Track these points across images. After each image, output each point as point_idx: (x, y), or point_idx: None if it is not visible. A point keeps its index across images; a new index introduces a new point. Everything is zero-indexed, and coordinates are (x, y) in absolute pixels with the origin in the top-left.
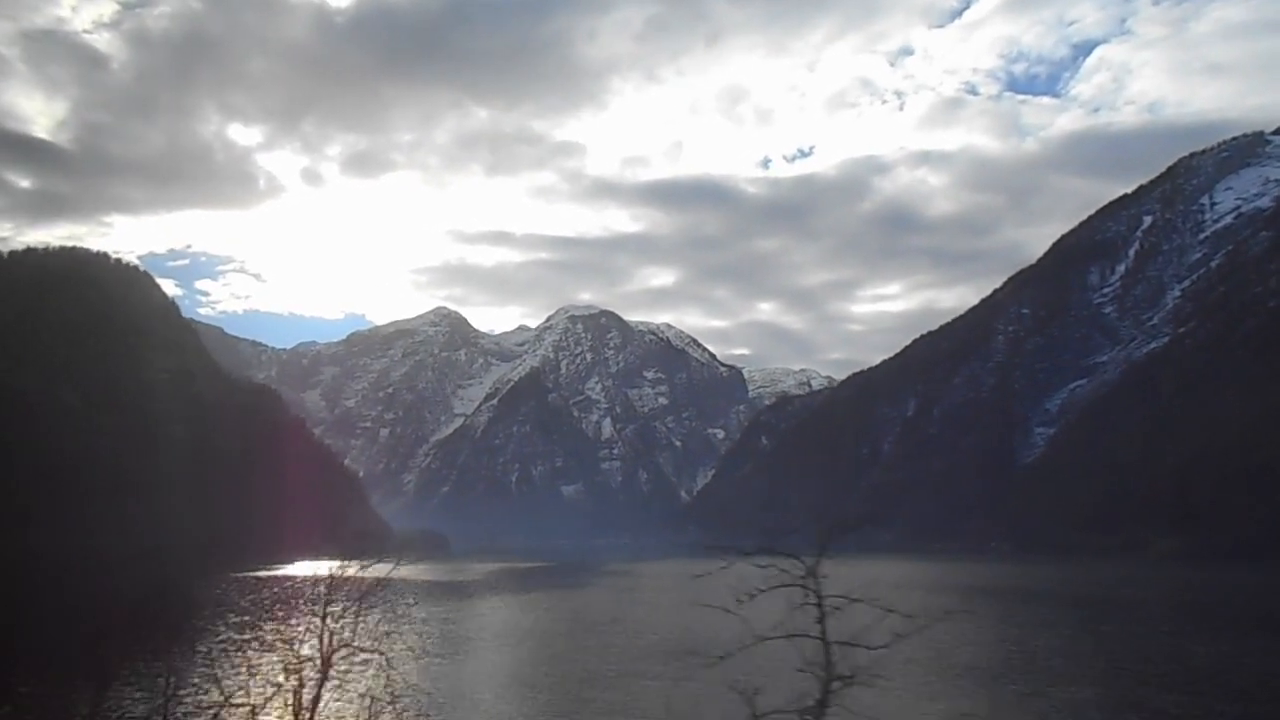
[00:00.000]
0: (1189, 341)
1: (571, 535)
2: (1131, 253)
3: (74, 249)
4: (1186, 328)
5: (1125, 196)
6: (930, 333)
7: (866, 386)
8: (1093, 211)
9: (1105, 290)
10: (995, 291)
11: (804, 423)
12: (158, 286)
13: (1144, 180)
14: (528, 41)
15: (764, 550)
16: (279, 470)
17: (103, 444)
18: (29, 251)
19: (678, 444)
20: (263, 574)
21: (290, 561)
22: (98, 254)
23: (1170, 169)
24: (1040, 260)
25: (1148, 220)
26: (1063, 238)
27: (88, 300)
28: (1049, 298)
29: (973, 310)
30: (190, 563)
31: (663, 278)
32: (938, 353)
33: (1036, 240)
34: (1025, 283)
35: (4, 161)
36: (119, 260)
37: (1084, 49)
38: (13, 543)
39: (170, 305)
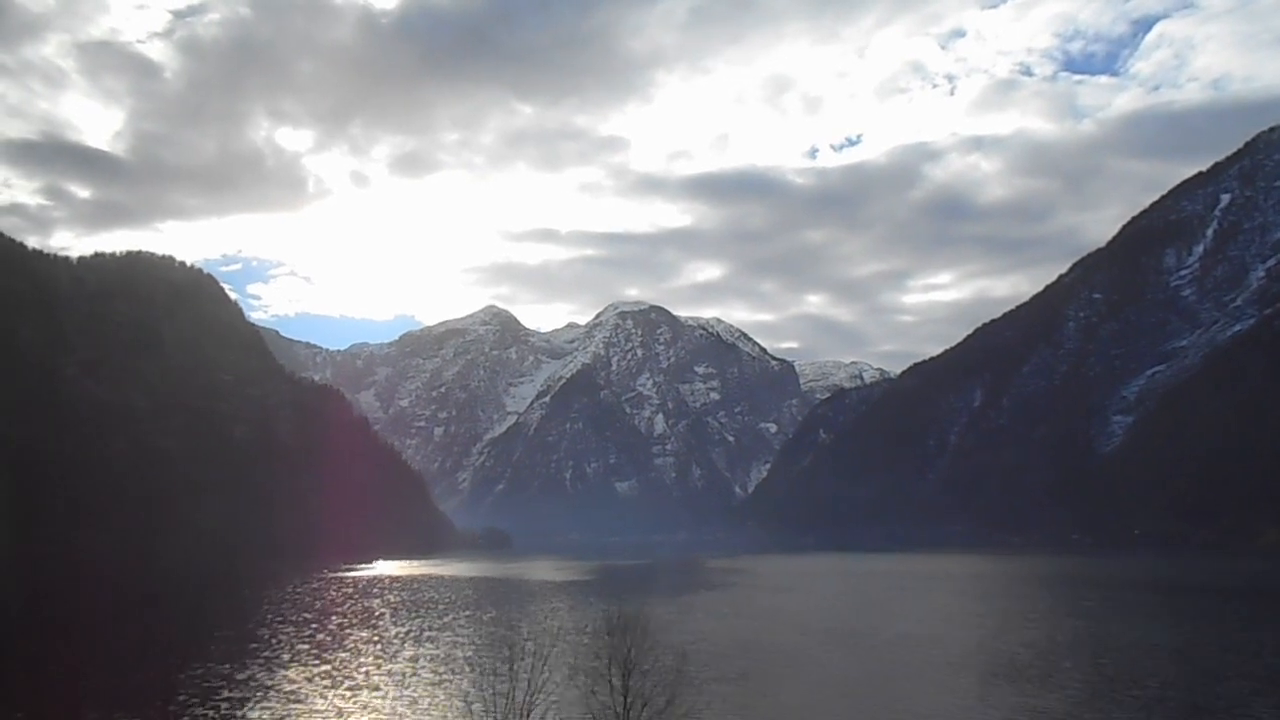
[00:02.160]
0: (1278, 323)
1: (626, 532)
2: (1210, 232)
3: (140, 254)
4: (1274, 308)
5: (1200, 174)
6: (993, 321)
7: (929, 377)
8: (1163, 192)
9: (1183, 272)
10: (1061, 277)
11: (863, 416)
12: (222, 289)
13: (1219, 158)
14: (572, 36)
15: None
16: (345, 469)
17: (171, 445)
18: (97, 257)
19: (730, 439)
20: (358, 573)
21: (371, 560)
22: (163, 258)
23: (1249, 144)
24: (1110, 244)
25: (1226, 199)
26: (1133, 220)
27: (155, 304)
28: (1122, 282)
29: (1038, 297)
30: (272, 562)
31: (709, 272)
32: (1003, 341)
33: (1094, 225)
34: (1094, 267)
35: (65, 173)
36: (184, 264)
37: (1144, 25)
38: (93, 543)
39: (234, 308)
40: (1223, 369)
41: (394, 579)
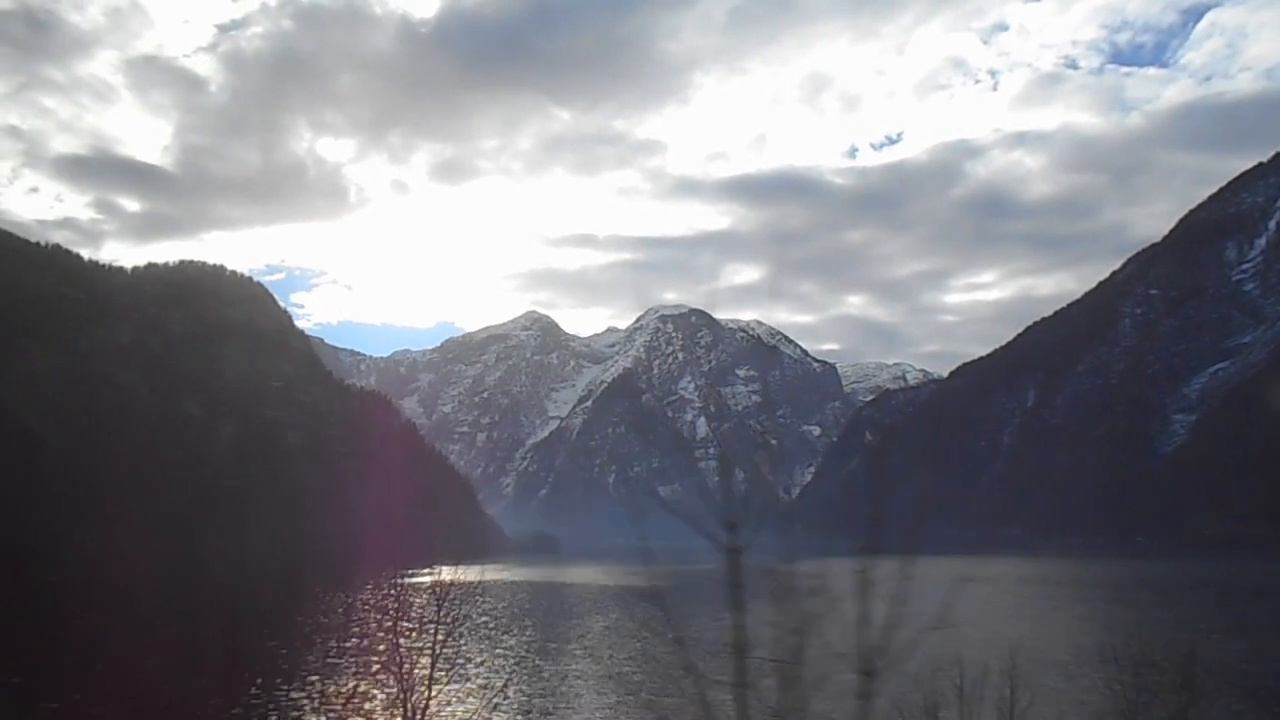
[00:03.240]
0: None
1: (670, 536)
2: (1272, 225)
3: (192, 263)
4: None
5: (1261, 165)
6: (1043, 319)
7: (978, 377)
8: (1219, 184)
9: (1244, 266)
10: (1114, 273)
11: (910, 417)
12: (272, 297)
13: (1275, 148)
14: (608, 41)
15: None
16: (394, 475)
17: (224, 453)
18: (150, 267)
19: (773, 442)
20: (423, 579)
21: (429, 566)
22: (214, 267)
23: None
24: (1166, 238)
25: None
26: (1191, 213)
27: (207, 313)
28: (1180, 277)
29: (1090, 294)
30: (326, 568)
31: (747, 274)
32: (1054, 339)
33: (1143, 220)
34: (1150, 262)
35: (115, 186)
36: (235, 272)
37: (1194, 14)
38: (153, 551)
39: (284, 315)
40: None
41: (467, 584)
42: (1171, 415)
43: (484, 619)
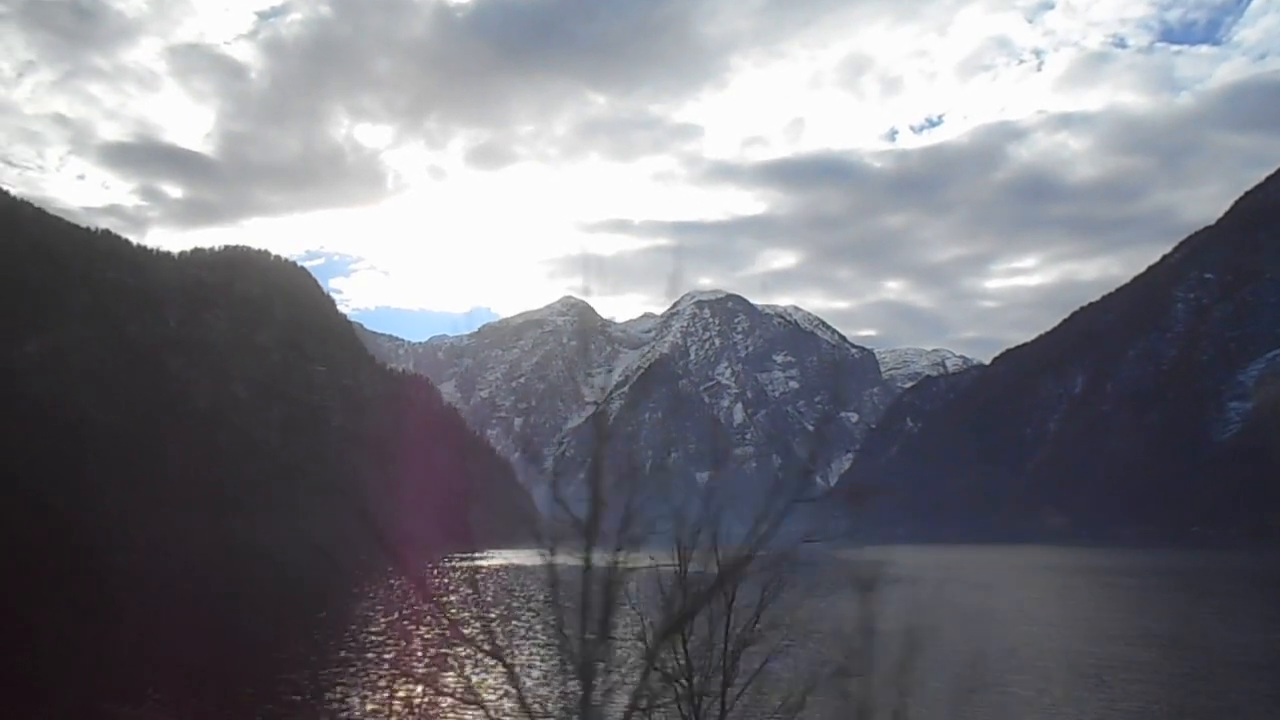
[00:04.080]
0: None
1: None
2: None
3: (238, 248)
4: None
5: None
6: (1090, 304)
7: (1023, 363)
8: (1276, 165)
9: None
10: (1165, 257)
11: (952, 404)
12: (315, 282)
13: None
14: (646, 24)
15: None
16: (437, 458)
17: (272, 436)
18: (197, 253)
19: (810, 428)
20: (488, 563)
21: (482, 550)
22: (259, 252)
23: None
24: (1220, 221)
25: None
26: (1246, 195)
27: (252, 298)
28: (1236, 261)
29: (1140, 279)
30: (373, 551)
31: (784, 259)
32: (1103, 325)
33: (1192, 204)
34: (1203, 246)
35: (159, 173)
36: (279, 258)
37: None
38: (204, 533)
39: (327, 300)
40: None
41: (527, 568)
42: (1227, 403)
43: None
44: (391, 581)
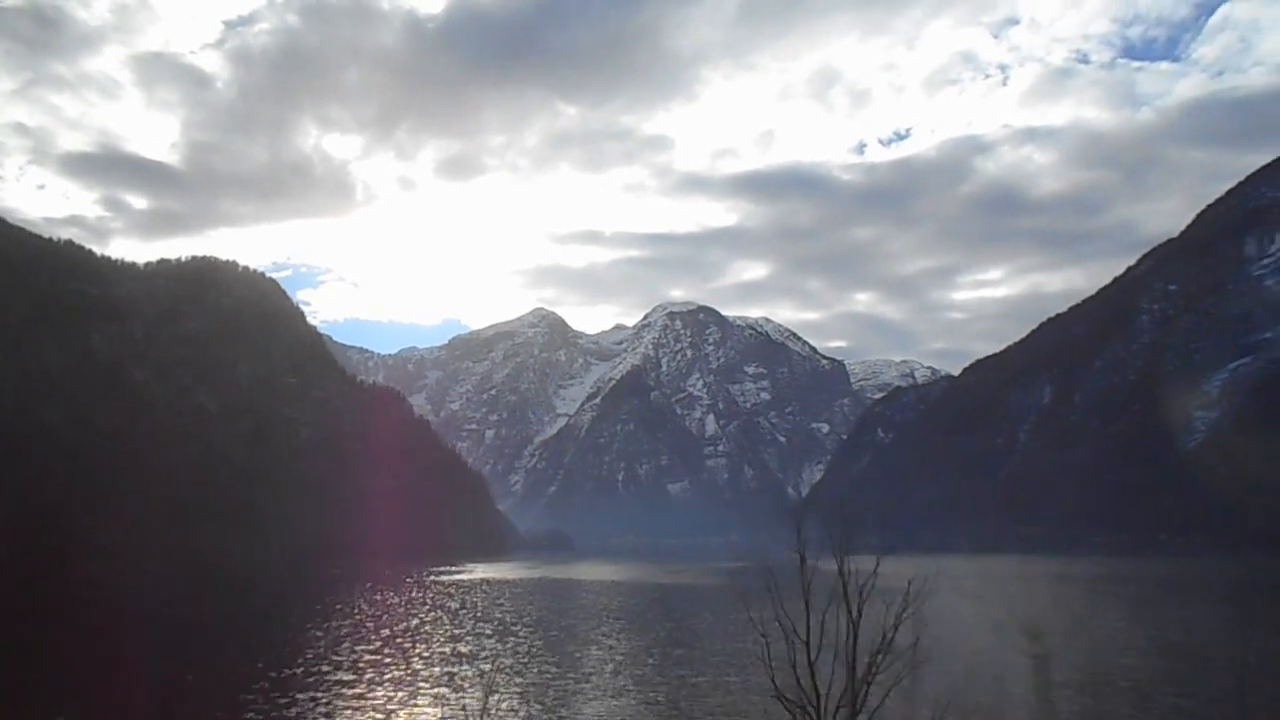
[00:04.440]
0: None
1: (680, 534)
2: None
3: (205, 259)
4: None
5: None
6: (1058, 315)
7: (992, 374)
8: (1231, 179)
9: (1265, 261)
10: (1130, 269)
11: (922, 414)
12: (284, 293)
13: None
14: (617, 36)
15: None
16: (408, 471)
17: (240, 448)
18: (163, 263)
19: (782, 439)
20: (462, 577)
21: (455, 563)
22: (227, 263)
23: None
24: (1184, 233)
25: None
26: (1209, 208)
27: (221, 309)
28: (1199, 272)
29: (1106, 290)
30: (348, 564)
31: (755, 271)
32: (1070, 336)
33: (1153, 217)
34: (1167, 258)
35: (122, 183)
36: (248, 269)
37: (1207, 8)
38: (168, 546)
39: (296, 311)
40: None
41: (515, 582)
42: (1192, 412)
43: (571, 620)
44: (366, 595)
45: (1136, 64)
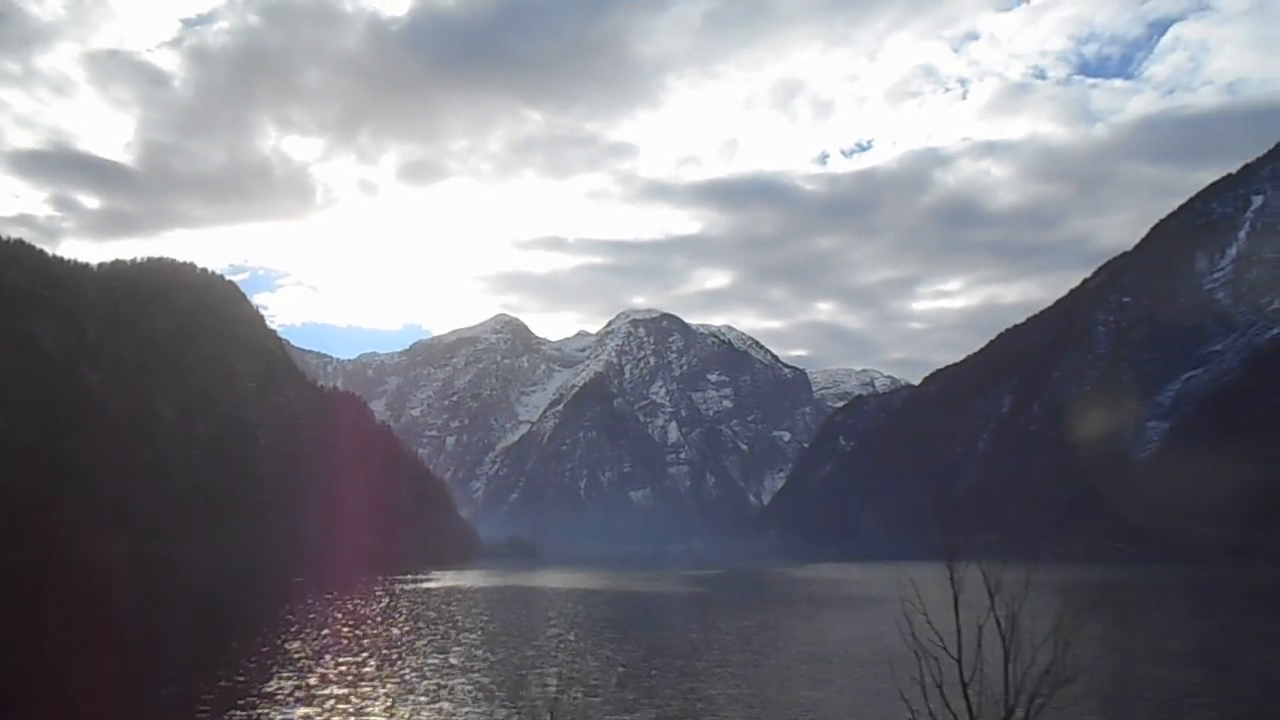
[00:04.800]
0: None
1: (642, 541)
2: (1242, 235)
3: (161, 260)
4: None
5: (1230, 177)
6: (1017, 326)
7: (952, 384)
8: (1180, 195)
9: (1216, 275)
10: (1086, 281)
11: (883, 423)
12: (243, 295)
13: (1233, 161)
14: (582, 42)
15: None
16: (370, 478)
17: (196, 453)
18: (117, 264)
19: (744, 447)
20: (431, 584)
21: (420, 570)
22: (184, 264)
23: None
24: (1138, 247)
25: (1259, 200)
26: (1162, 222)
27: (177, 311)
28: (1152, 285)
29: (1062, 301)
30: (306, 572)
31: (718, 279)
32: (1029, 346)
33: (1106, 231)
34: (1121, 271)
35: (74, 182)
36: (205, 270)
37: (1160, 27)
38: (119, 552)
39: (255, 314)
40: (1261, 373)
41: (487, 590)
42: (1146, 422)
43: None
44: (335, 604)
45: (1091, 81)
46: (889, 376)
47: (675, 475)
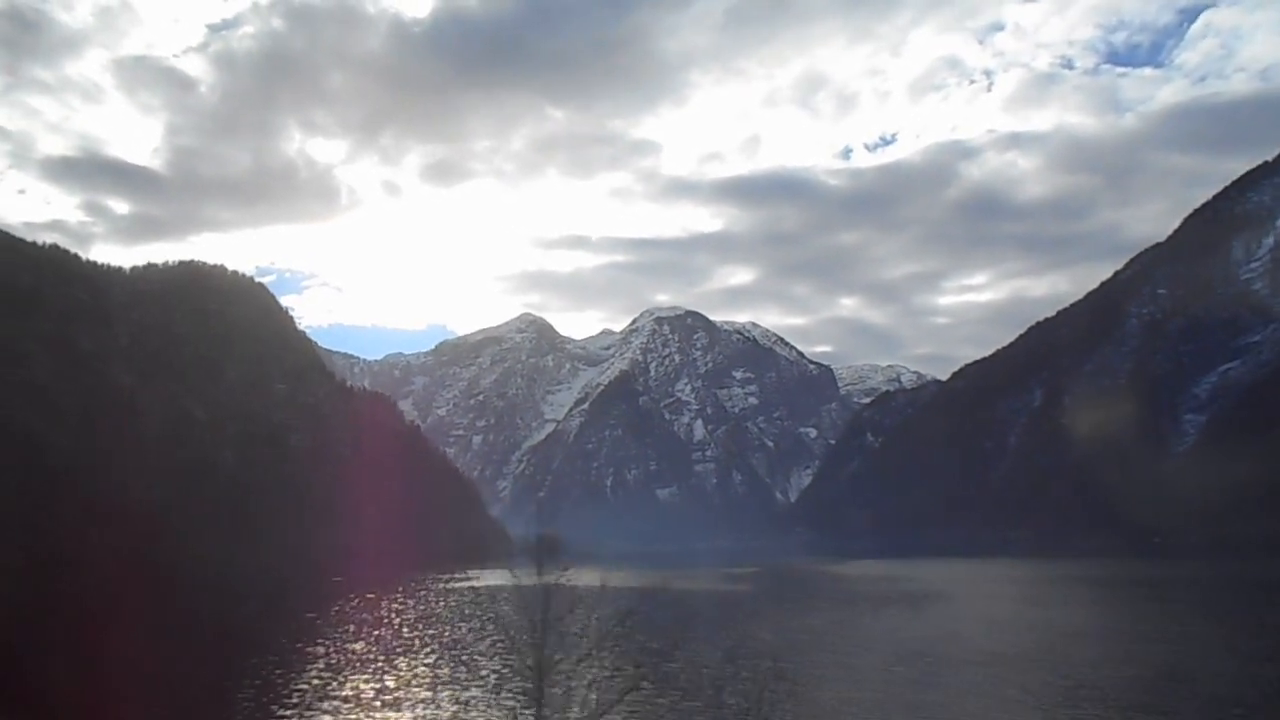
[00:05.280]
0: None
1: (669, 539)
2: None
3: (192, 263)
4: None
5: (1266, 164)
6: (1047, 320)
7: (981, 378)
8: (1213, 184)
9: (1253, 265)
10: (1118, 273)
11: (911, 418)
12: (273, 297)
13: (1268, 149)
14: (605, 39)
15: None
16: (400, 477)
17: (230, 455)
18: (150, 267)
19: (770, 444)
20: (480, 584)
21: (464, 570)
22: (215, 267)
23: None
24: (1171, 237)
25: None
26: (1196, 212)
27: (208, 313)
28: (1187, 276)
29: (1093, 294)
30: (358, 571)
31: (741, 276)
32: (1060, 340)
33: (1136, 222)
34: (1155, 262)
35: (104, 188)
36: (236, 272)
37: (1190, 14)
38: (157, 555)
39: (285, 316)
40: None
41: (539, 589)
42: (1182, 415)
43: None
44: (384, 604)
45: (1120, 70)
46: (915, 372)
47: (701, 473)
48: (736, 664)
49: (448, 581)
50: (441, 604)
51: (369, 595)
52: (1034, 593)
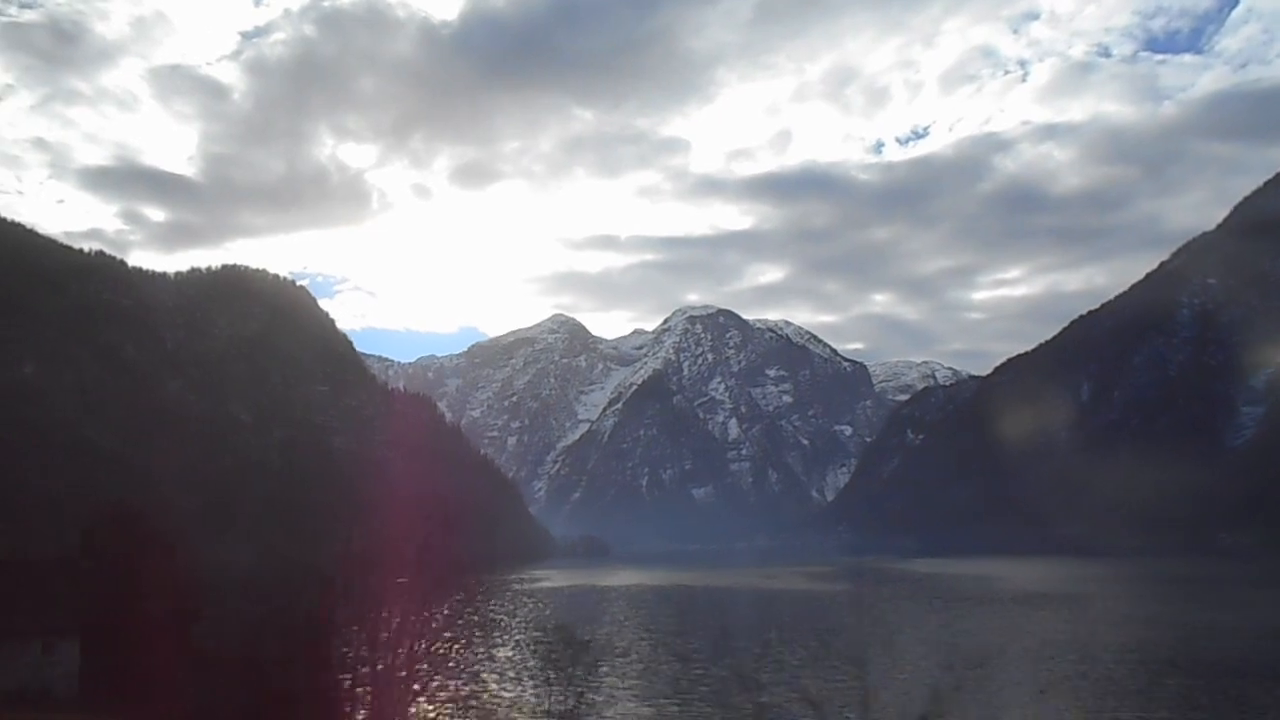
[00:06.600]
0: None
1: (706, 539)
2: None
3: (234, 268)
4: None
5: None
6: (1091, 313)
7: (1023, 373)
8: (1256, 173)
9: None
10: (1164, 264)
11: (951, 415)
12: (314, 300)
13: None
14: (632, 38)
15: None
16: (443, 478)
17: (274, 457)
18: (193, 273)
19: (805, 442)
20: (553, 584)
21: (520, 570)
22: (257, 271)
23: None
24: (1220, 226)
25: None
26: (1245, 200)
27: (251, 317)
28: (1240, 265)
29: (1139, 285)
30: (422, 573)
31: (771, 274)
32: (1104, 333)
33: (1176, 212)
34: (1204, 252)
35: (140, 196)
36: (277, 277)
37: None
38: (204, 557)
39: (326, 318)
40: None
41: (616, 589)
42: (1240, 408)
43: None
44: (475, 604)
45: (1159, 57)
46: (950, 368)
47: (737, 472)
48: (931, 668)
49: (520, 582)
50: (552, 605)
51: (462, 595)
52: (1151, 591)
